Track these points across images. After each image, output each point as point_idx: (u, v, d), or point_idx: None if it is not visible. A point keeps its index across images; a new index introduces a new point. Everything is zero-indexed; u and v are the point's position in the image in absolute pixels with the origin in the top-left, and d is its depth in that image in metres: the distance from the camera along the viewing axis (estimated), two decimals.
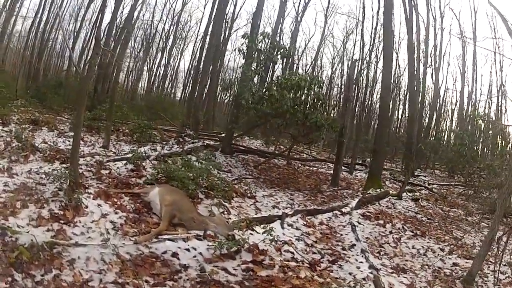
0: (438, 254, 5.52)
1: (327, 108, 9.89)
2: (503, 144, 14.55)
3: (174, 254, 3.82)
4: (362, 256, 4.89)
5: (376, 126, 24.19)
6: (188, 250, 3.96)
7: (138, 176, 6.37)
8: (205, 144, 10.24)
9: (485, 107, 24.45)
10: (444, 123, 26.41)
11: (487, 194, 10.98)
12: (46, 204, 4.23)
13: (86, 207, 4.36)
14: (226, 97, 27.34)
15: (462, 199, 10.88)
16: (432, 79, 21.97)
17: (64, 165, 5.63)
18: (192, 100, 13.54)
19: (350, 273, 4.32)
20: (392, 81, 13.72)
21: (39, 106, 12.64)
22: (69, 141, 8.03)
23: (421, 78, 19.04)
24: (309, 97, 9.27)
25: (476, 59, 23.55)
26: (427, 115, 22.32)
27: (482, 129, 15.75)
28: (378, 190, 9.33)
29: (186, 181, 5.83)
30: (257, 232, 4.90)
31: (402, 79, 24.25)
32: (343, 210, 7.11)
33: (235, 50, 10.10)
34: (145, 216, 4.78)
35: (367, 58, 19.77)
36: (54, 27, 22.00)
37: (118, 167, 6.59)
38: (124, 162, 6.86)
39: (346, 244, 5.43)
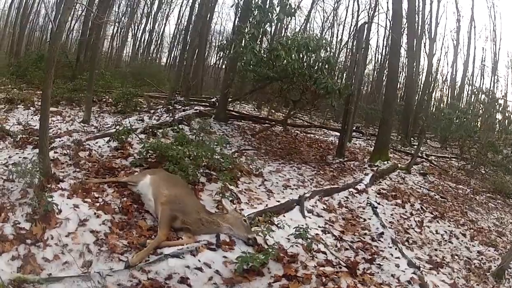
0: (462, 241, 5.41)
1: (335, 72, 8.80)
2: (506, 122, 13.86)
3: (183, 280, 2.81)
4: (396, 249, 4.40)
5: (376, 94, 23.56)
6: (200, 269, 2.96)
7: (124, 156, 5.34)
8: (197, 111, 9.15)
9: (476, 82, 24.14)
10: (434, 93, 25.83)
11: (486, 170, 11.03)
12: (11, 212, 3.18)
13: (59, 212, 3.27)
14: (214, 60, 26.46)
15: (463, 174, 10.56)
16: (426, 50, 21.07)
17: (37, 150, 4.53)
18: (182, 63, 12.21)
19: (392, 275, 3.75)
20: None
21: (20, 82, 11.39)
22: None
23: (415, 47, 18.13)
24: (313, 59, 8.12)
25: (474, 32, 22.94)
26: (421, 86, 21.63)
27: (481, 103, 15.07)
28: (385, 162, 8.74)
29: (183, 162, 4.80)
30: (278, 226, 4.03)
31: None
32: (358, 187, 6.60)
33: (231, 6, 8.61)
34: (135, 217, 3.68)
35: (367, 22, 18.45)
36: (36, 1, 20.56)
37: (99, 146, 5.58)
38: (106, 139, 5.82)
39: (373, 232, 4.89)
